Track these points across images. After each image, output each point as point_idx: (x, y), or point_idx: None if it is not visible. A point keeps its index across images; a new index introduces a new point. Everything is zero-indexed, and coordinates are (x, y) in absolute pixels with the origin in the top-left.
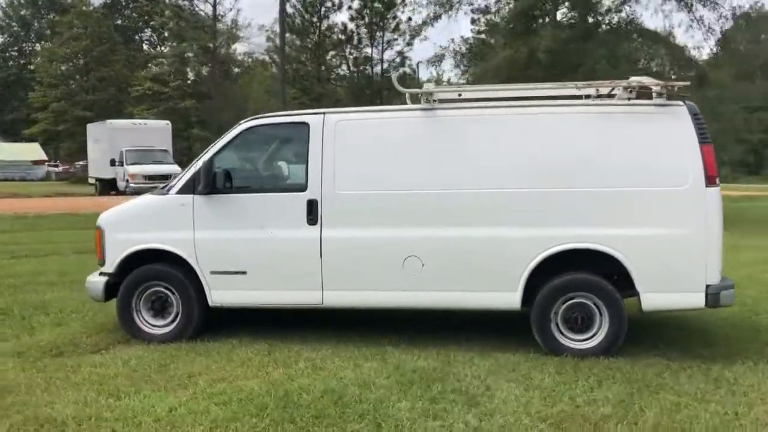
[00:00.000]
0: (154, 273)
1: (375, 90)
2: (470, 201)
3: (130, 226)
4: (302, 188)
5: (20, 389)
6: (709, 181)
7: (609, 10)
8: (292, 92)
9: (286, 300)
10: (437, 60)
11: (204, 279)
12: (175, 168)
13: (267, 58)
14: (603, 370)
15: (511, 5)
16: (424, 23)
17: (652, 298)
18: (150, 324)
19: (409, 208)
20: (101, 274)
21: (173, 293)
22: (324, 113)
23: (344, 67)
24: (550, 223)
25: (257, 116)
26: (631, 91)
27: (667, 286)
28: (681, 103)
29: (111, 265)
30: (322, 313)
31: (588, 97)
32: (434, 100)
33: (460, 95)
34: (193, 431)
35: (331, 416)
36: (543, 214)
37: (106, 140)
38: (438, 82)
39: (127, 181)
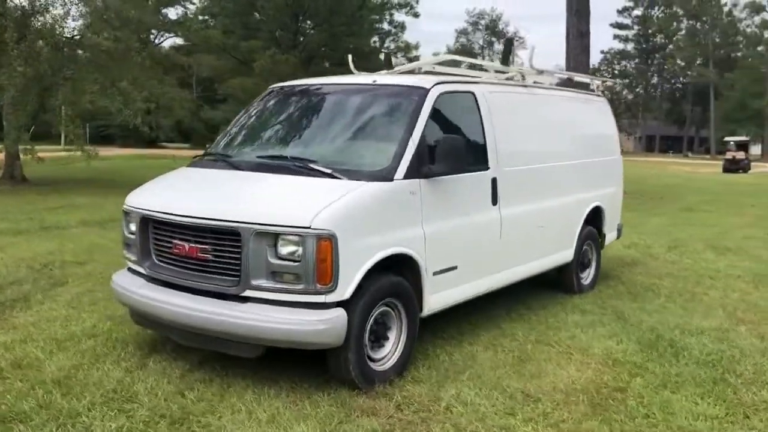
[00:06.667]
0: (388, 288)
1: None
2: (569, 172)
3: (365, 227)
4: (486, 166)
5: None
6: (621, 153)
7: None
8: None
9: (476, 291)
10: None
11: (426, 283)
12: None
13: None
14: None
15: None
16: None
17: (607, 236)
18: (372, 359)
19: (542, 181)
20: (323, 305)
21: (395, 310)
22: (477, 82)
23: None
24: (587, 187)
25: (440, 79)
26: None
27: (610, 227)
28: (601, 94)
29: (347, 288)
30: None
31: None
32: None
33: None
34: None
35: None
36: (586, 180)
37: None
38: None
39: None
